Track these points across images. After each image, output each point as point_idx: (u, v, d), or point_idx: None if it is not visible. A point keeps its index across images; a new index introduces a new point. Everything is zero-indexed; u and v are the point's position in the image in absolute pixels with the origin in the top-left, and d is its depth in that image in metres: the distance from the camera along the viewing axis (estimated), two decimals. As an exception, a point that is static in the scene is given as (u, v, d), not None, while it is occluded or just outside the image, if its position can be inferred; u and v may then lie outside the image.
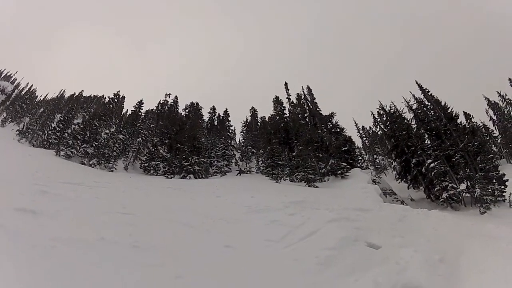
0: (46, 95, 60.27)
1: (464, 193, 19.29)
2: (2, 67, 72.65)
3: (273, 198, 13.99)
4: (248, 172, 29.90)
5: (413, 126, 24.75)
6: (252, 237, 7.63)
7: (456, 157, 21.14)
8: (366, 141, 41.54)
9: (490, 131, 32.49)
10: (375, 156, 36.46)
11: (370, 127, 39.71)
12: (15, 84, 64.48)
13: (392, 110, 26.22)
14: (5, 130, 43.25)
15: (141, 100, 42.31)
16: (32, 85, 59.53)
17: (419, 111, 25.19)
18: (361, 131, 41.92)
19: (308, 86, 36.06)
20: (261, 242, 7.19)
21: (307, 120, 33.16)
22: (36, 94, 59.95)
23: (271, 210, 10.75)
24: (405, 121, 25.13)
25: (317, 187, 22.67)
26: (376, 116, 29.76)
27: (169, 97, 47.71)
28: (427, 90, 25.19)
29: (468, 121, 26.07)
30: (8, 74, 70.36)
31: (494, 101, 35.50)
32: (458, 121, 23.91)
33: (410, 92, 25.96)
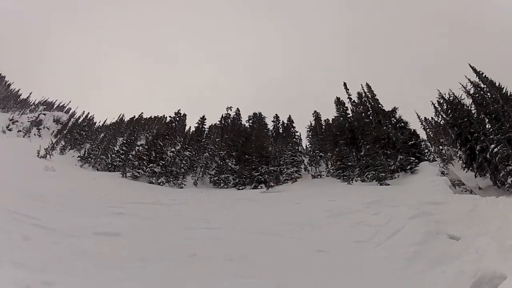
0: (105, 120, 68.58)
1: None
2: (53, 99, 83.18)
3: (351, 199, 16.62)
4: (319, 176, 33.28)
5: (473, 111, 26.67)
6: (341, 240, 8.99)
7: (517, 139, 22.40)
8: (430, 132, 43.43)
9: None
10: (440, 147, 38.21)
11: (432, 118, 40.82)
12: (69, 113, 73.05)
13: (451, 98, 28.72)
14: (66, 157, 47.51)
15: (203, 116, 47.90)
16: (88, 112, 67.55)
17: (477, 95, 27.39)
18: (424, 123, 43.80)
19: (367, 83, 39.21)
20: (351, 244, 8.46)
21: (370, 118, 36.09)
22: (94, 121, 67.91)
23: (353, 211, 12.93)
24: (465, 107, 27.18)
25: (388, 184, 25.27)
26: (436, 105, 31.99)
27: (231, 110, 53.00)
28: (481, 72, 27.39)
29: (525, 98, 26.90)
30: (61, 104, 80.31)
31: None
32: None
33: (466, 77, 28.23)
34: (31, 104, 77.72)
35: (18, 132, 61.40)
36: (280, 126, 51.07)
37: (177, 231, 9.94)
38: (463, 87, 28.05)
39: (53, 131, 63.88)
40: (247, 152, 37.69)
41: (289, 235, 9.68)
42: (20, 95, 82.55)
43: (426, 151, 33.65)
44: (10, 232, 6.34)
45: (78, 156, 46.76)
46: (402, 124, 33.48)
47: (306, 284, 5.67)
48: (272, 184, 32.70)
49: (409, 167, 27.62)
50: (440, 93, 30.56)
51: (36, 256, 5.39)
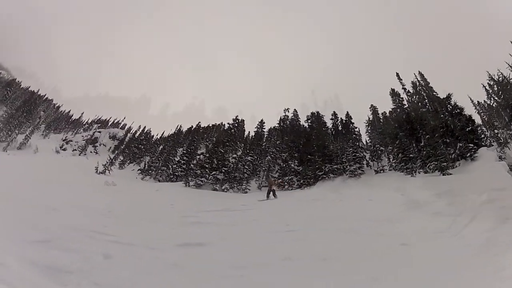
0: (163, 132, 74.61)
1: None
2: (106, 116, 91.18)
3: (421, 192, 17.63)
4: (382, 171, 35.07)
5: (522, 90, 26.36)
6: (421, 232, 9.59)
7: None
8: (484, 116, 43.05)
9: None
10: (495, 130, 37.54)
11: (484, 101, 41.19)
12: (125, 129, 79.33)
13: (501, 79, 29.69)
14: (125, 171, 52.63)
15: (262, 120, 52.93)
16: (145, 126, 73.94)
17: (523, 72, 27.05)
18: (477, 107, 43.79)
19: (419, 71, 41.18)
20: (431, 235, 9.05)
21: (427, 106, 37.46)
22: (152, 134, 73.50)
23: (427, 203, 14.02)
24: (514, 86, 26.85)
25: (450, 174, 26.20)
26: (487, 88, 33.32)
27: (288, 111, 55.90)
28: (523, 49, 27.42)
29: None
30: (116, 121, 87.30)
31: None
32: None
33: (510, 55, 28.73)
34: (84, 123, 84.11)
35: (73, 151, 65.66)
36: (339, 124, 52.84)
37: (260, 235, 10.56)
38: (510, 66, 29.09)
39: (110, 147, 69.30)
40: (309, 152, 39.74)
41: (370, 231, 10.48)
42: (72, 115, 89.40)
43: (482, 136, 34.43)
44: (87, 251, 6.63)
45: (139, 169, 51.65)
46: (458, 111, 34.59)
47: (398, 275, 6.27)
48: (270, 188, 28.52)
49: (469, 154, 28.77)
50: (490, 74, 32.05)
51: (123, 274, 5.79)
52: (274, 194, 26.74)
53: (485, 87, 34.30)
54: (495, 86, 32.02)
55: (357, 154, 37.94)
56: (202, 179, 39.37)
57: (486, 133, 38.04)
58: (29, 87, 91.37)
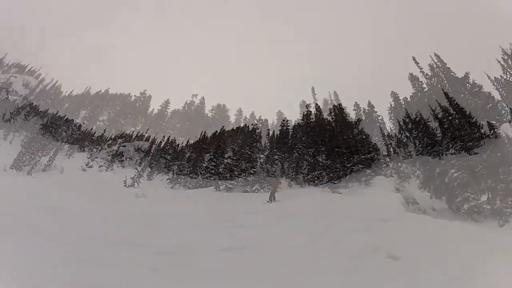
0: (188, 140, 76.72)
1: (484, 205, 22.29)
2: (130, 130, 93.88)
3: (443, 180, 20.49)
4: (409, 157, 36.05)
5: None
6: (436, 230, 9.93)
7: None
8: (503, 92, 41.41)
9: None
10: None
11: (500, 76, 39.61)
12: (150, 140, 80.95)
13: None
14: (154, 182, 52.60)
15: (286, 118, 54.14)
16: (169, 136, 76.39)
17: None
18: (495, 83, 41.89)
19: (435, 53, 42.20)
20: (444, 234, 9.61)
21: (447, 87, 37.71)
22: (177, 143, 75.58)
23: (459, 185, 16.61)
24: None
25: (477, 153, 27.33)
26: (502, 62, 33.91)
27: (310, 106, 57.28)
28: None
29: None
30: (140, 134, 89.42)
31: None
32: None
33: None
34: (107, 139, 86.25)
35: (99, 167, 66.72)
36: (362, 113, 53.08)
37: (302, 235, 10.50)
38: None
39: (136, 160, 69.76)
40: (335, 145, 40.19)
41: (391, 229, 10.70)
42: (94, 133, 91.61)
43: (503, 112, 34.34)
44: (131, 266, 6.68)
45: (167, 179, 52.13)
46: (477, 89, 35.27)
47: (422, 274, 6.65)
48: (274, 189, 28.09)
49: (491, 132, 29.43)
50: (503, 49, 32.95)
51: (174, 286, 5.89)
52: (273, 197, 25.91)
53: (499, 62, 34.89)
54: (509, 60, 32.81)
55: (384, 142, 38.99)
56: (232, 182, 40.44)
57: (506, 108, 37.33)
58: (48, 109, 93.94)
